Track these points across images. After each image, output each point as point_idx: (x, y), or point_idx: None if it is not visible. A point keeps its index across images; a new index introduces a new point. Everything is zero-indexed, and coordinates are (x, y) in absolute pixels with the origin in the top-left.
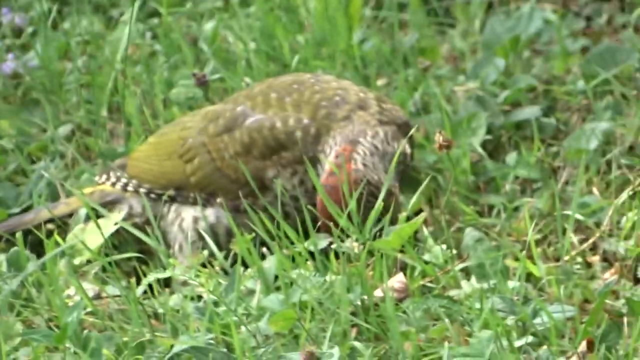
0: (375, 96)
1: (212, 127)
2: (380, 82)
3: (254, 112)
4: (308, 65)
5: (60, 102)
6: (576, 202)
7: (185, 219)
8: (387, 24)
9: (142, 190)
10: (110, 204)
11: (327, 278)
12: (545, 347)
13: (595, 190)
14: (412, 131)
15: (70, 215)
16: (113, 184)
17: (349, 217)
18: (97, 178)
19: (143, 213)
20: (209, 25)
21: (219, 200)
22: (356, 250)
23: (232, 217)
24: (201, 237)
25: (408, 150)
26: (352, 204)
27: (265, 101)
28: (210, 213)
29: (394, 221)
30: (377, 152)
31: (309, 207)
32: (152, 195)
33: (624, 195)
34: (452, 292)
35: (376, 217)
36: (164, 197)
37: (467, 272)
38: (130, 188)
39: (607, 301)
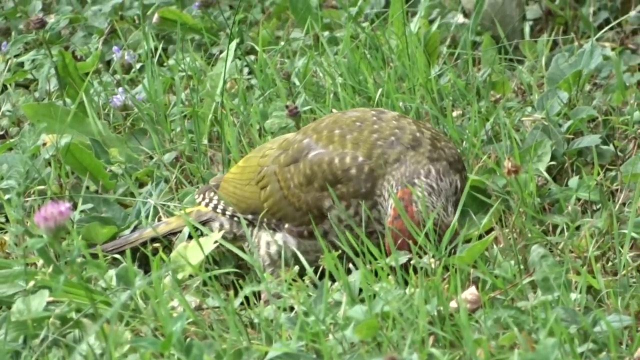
0: (432, 134)
1: (283, 157)
2: (455, 113)
3: (317, 146)
4: (390, 98)
5: (165, 131)
6: (632, 222)
7: (261, 246)
8: (462, 60)
9: (227, 213)
10: (205, 223)
11: (407, 291)
12: (604, 353)
13: None
14: (484, 159)
15: (171, 233)
16: (207, 204)
17: (427, 236)
18: (195, 196)
19: (230, 231)
20: (300, 62)
21: (287, 226)
22: (433, 266)
23: (297, 242)
24: (274, 261)
25: (459, 183)
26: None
27: (329, 137)
28: (279, 237)
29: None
30: (434, 191)
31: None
32: (235, 218)
33: None
34: (520, 304)
35: (449, 238)
36: (243, 221)
37: (533, 286)
38: (219, 210)
39: None
